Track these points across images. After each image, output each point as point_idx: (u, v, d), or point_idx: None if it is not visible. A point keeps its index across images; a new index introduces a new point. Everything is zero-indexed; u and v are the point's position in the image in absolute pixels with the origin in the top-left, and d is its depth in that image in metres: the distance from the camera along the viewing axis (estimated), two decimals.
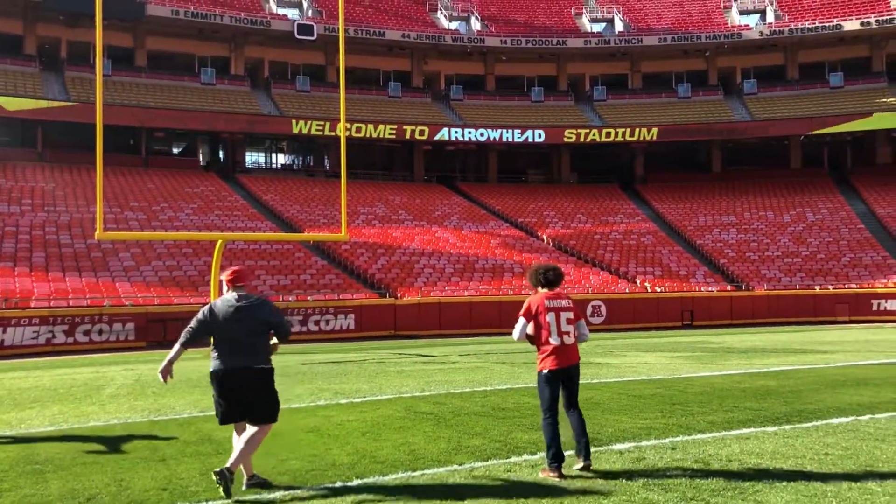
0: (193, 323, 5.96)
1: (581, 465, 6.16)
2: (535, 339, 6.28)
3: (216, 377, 5.88)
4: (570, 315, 6.25)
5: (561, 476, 5.95)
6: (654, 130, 44.39)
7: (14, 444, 7.88)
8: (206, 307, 5.98)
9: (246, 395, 5.86)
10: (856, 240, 38.34)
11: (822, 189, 44.63)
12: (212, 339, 5.97)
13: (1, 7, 38.49)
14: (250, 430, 5.87)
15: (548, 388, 6.20)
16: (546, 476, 6.02)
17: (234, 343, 5.83)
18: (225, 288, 6.08)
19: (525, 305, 6.31)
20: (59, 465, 6.85)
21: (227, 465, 5.74)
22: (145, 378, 13.89)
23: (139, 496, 5.78)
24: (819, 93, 46.30)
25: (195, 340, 5.96)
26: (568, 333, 6.20)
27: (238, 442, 5.91)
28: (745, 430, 7.88)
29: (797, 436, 7.57)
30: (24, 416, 9.66)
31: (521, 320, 6.25)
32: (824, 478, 5.94)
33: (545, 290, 6.39)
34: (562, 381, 6.23)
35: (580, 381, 6.45)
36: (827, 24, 45.08)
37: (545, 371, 6.20)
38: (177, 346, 6.07)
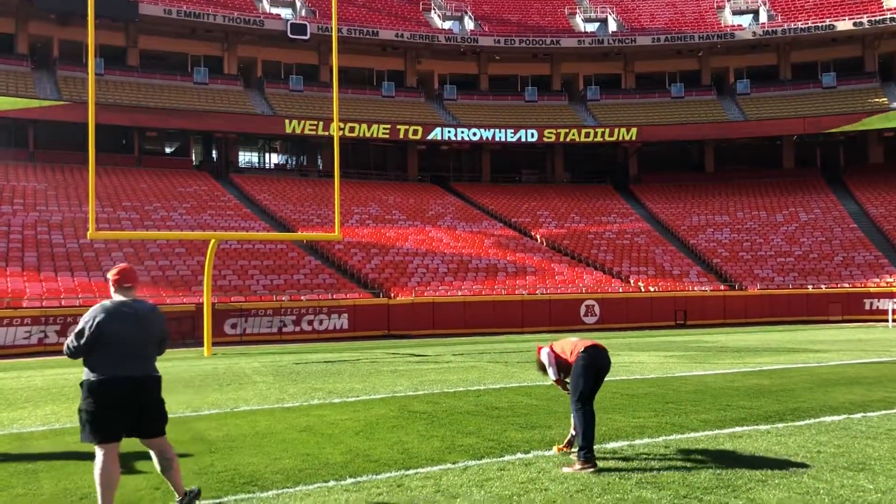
0: (93, 329, 5.14)
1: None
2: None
3: (106, 387, 5.11)
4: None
5: (595, 466, 6.21)
6: (648, 130, 44.48)
7: (7, 444, 7.85)
8: (100, 311, 5.26)
9: (140, 407, 5.23)
10: (848, 239, 38.48)
11: (815, 189, 44.79)
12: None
13: None
14: (160, 455, 5.31)
15: (581, 372, 6.47)
16: (577, 470, 6.20)
17: (134, 350, 5.26)
18: (112, 289, 5.50)
19: (547, 353, 6.85)
20: (52, 465, 6.83)
21: (179, 497, 5.33)
22: None
23: (132, 496, 5.76)
24: (812, 93, 46.48)
25: (91, 350, 5.16)
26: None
27: (161, 467, 5.33)
28: (738, 429, 7.91)
29: (790, 434, 7.60)
30: (16, 416, 9.62)
31: (545, 349, 6.87)
32: (817, 475, 5.96)
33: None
34: (597, 368, 6.57)
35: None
36: (820, 25, 45.25)
37: (580, 353, 6.54)
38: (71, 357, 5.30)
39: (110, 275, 5.48)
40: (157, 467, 5.35)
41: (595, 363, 6.49)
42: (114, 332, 5.18)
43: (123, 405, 5.15)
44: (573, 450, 6.63)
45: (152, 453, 5.35)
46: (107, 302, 5.37)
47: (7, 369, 16.55)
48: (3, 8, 38.74)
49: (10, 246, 27.43)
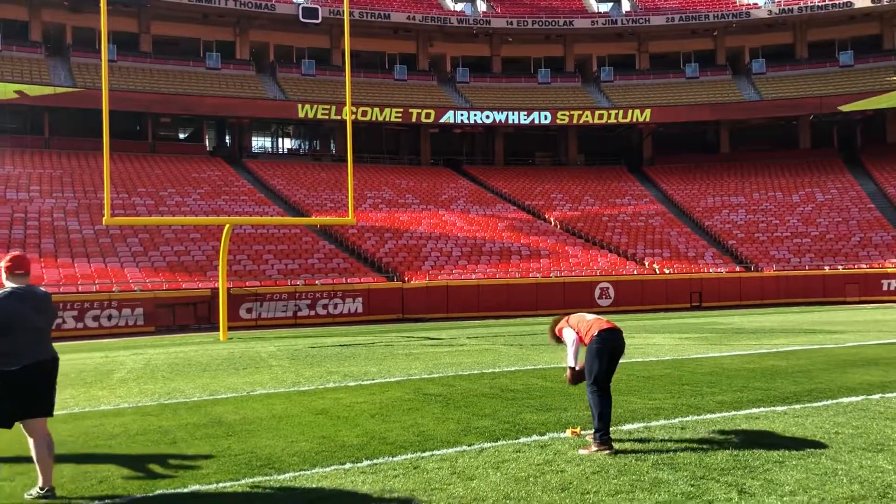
0: (7, 315, 5.20)
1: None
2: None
3: (15, 375, 5.19)
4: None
5: (611, 449, 6.20)
6: (662, 111, 44.14)
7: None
8: (9, 297, 5.29)
9: (41, 388, 5.37)
10: (866, 219, 38.11)
11: (832, 169, 44.35)
12: None
13: None
14: (42, 438, 5.37)
15: (595, 355, 6.42)
16: (592, 451, 6.20)
17: (39, 334, 5.39)
18: (3, 276, 5.46)
19: (567, 332, 6.73)
20: (72, 449, 6.90)
21: (42, 485, 5.35)
22: (154, 362, 13.96)
23: (151, 478, 5.81)
24: (829, 72, 45.92)
25: (5, 334, 5.19)
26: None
27: (38, 454, 5.38)
28: (754, 410, 7.87)
29: (807, 415, 7.56)
30: None
31: (570, 330, 6.71)
32: (835, 456, 5.93)
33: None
34: (609, 350, 6.48)
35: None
36: (837, 2, 44.61)
37: (593, 335, 6.49)
38: None
39: (2, 263, 5.48)
40: (35, 453, 5.35)
41: (608, 346, 6.43)
42: (25, 317, 5.29)
43: (25, 390, 5.26)
44: (588, 432, 6.63)
45: (33, 438, 5.38)
46: (15, 288, 5.39)
47: None
48: None
49: (28, 233, 27.65)
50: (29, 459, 5.54)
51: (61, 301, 22.52)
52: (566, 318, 6.84)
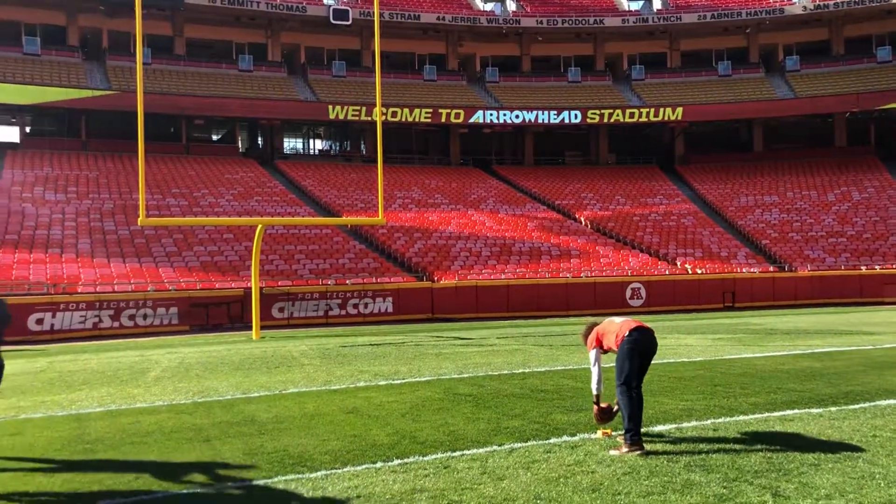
0: None
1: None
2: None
3: None
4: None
5: (642, 449, 6.19)
6: (694, 110, 43.68)
7: (66, 425, 8.10)
8: None
9: None
10: None
11: (869, 167, 43.53)
12: None
13: None
14: None
15: (626, 355, 6.40)
16: (624, 453, 6.18)
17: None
18: None
19: (589, 340, 6.83)
20: (109, 445, 7.04)
21: None
22: (188, 361, 14.16)
23: (185, 475, 5.91)
24: (866, 68, 45.06)
25: None
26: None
27: None
28: (788, 412, 7.78)
29: (843, 418, 7.45)
30: (74, 398, 9.92)
31: (593, 352, 6.77)
32: (872, 460, 5.84)
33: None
34: (641, 351, 6.45)
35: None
36: None
37: (624, 336, 6.45)
38: None
39: None
40: None
41: (640, 346, 6.41)
42: None
43: None
44: (619, 433, 6.60)
45: None
46: None
47: (64, 353, 17.05)
48: (55, 1, 39.59)
49: (65, 233, 28.18)
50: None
51: (98, 300, 22.92)
52: (595, 328, 6.85)
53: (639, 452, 6.11)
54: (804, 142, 47.14)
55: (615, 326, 6.62)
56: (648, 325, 6.64)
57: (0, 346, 6.72)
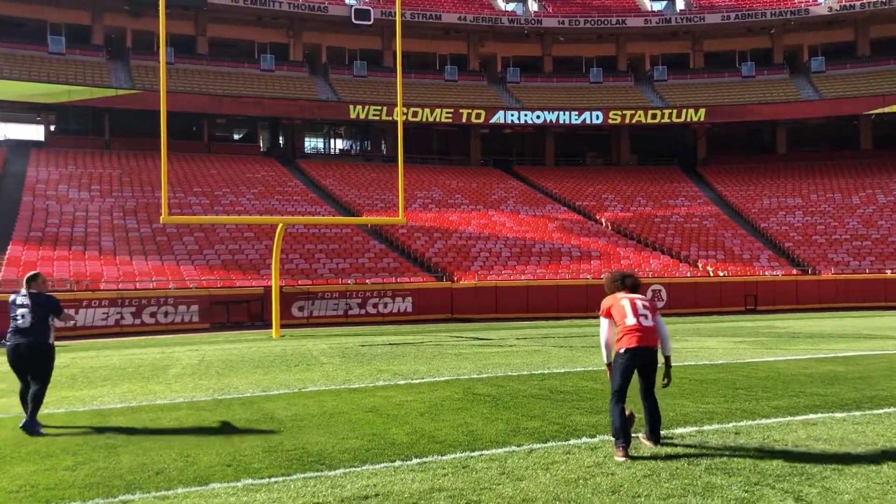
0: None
1: (649, 444, 6.42)
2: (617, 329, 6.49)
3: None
4: (646, 303, 6.46)
5: (626, 457, 6.00)
6: (717, 111, 43.34)
7: (88, 420, 8.18)
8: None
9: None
10: None
11: (895, 170, 42.94)
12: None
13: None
14: None
15: (620, 371, 6.28)
16: (616, 456, 6.05)
17: None
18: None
19: (602, 306, 6.58)
20: (130, 441, 7.09)
21: None
22: (209, 358, 14.25)
23: (205, 471, 5.94)
24: (892, 69, 44.47)
25: None
26: (646, 316, 6.34)
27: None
28: (811, 416, 7.68)
29: (868, 422, 7.34)
30: (96, 394, 10.01)
31: (603, 321, 6.51)
32: None
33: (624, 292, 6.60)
34: (638, 366, 6.29)
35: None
36: None
37: (621, 350, 6.30)
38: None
39: None
40: None
41: (633, 364, 6.27)
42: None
43: None
44: (637, 434, 6.57)
45: None
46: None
47: (86, 349, 17.22)
48: (80, 1, 40.05)
49: (88, 231, 28.48)
50: None
51: (120, 298, 23.14)
52: (606, 298, 6.62)
53: (619, 458, 5.98)
54: (828, 144, 46.60)
55: (619, 313, 6.41)
56: (650, 329, 6.34)
57: (53, 338, 7.93)
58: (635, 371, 6.30)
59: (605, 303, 6.58)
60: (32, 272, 7.97)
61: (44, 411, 8.71)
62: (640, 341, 6.26)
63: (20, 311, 7.61)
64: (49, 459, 6.44)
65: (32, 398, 7.52)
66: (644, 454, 6.15)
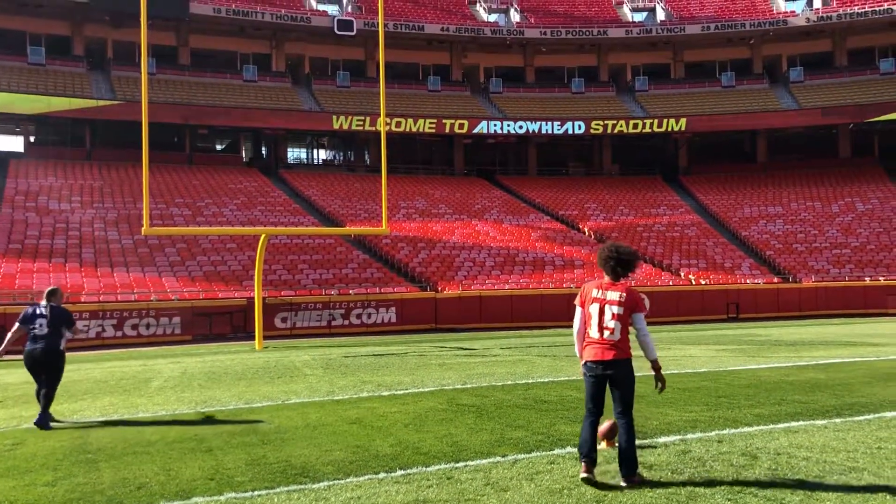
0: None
1: (620, 481, 5.60)
2: None
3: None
4: (617, 310, 5.62)
5: (588, 473, 5.53)
6: (698, 121, 43.72)
7: (68, 434, 8.09)
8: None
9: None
10: None
11: (873, 178, 43.49)
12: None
13: (49, 9, 39.43)
14: None
15: (586, 383, 5.77)
16: (580, 472, 5.63)
17: None
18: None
19: (580, 293, 5.92)
20: (111, 455, 7.02)
21: None
22: (191, 371, 14.14)
23: (187, 485, 5.89)
24: (869, 79, 45.10)
25: None
26: (611, 330, 5.62)
27: None
28: (793, 424, 7.74)
29: (848, 429, 7.41)
30: (76, 408, 9.91)
31: (578, 310, 5.84)
32: (877, 472, 5.80)
33: (607, 278, 5.80)
34: (601, 381, 5.70)
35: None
36: (877, 9, 43.84)
37: (582, 360, 5.82)
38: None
39: None
40: None
41: (594, 379, 5.72)
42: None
43: None
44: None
45: None
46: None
47: (67, 362, 16.99)
48: (60, 11, 39.80)
49: (69, 242, 28.23)
50: None
51: (101, 310, 22.93)
52: (586, 286, 5.89)
53: (582, 472, 5.57)
54: (808, 153, 47.13)
55: (588, 315, 5.75)
56: (616, 338, 5.64)
57: (64, 345, 9.07)
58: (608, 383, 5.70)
59: (583, 290, 5.85)
60: (52, 287, 9.29)
61: (22, 426, 8.63)
62: (597, 355, 5.67)
63: (39, 320, 8.80)
64: (28, 475, 6.36)
65: (44, 396, 8.64)
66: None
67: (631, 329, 5.76)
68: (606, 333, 5.66)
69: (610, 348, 5.66)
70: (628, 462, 5.59)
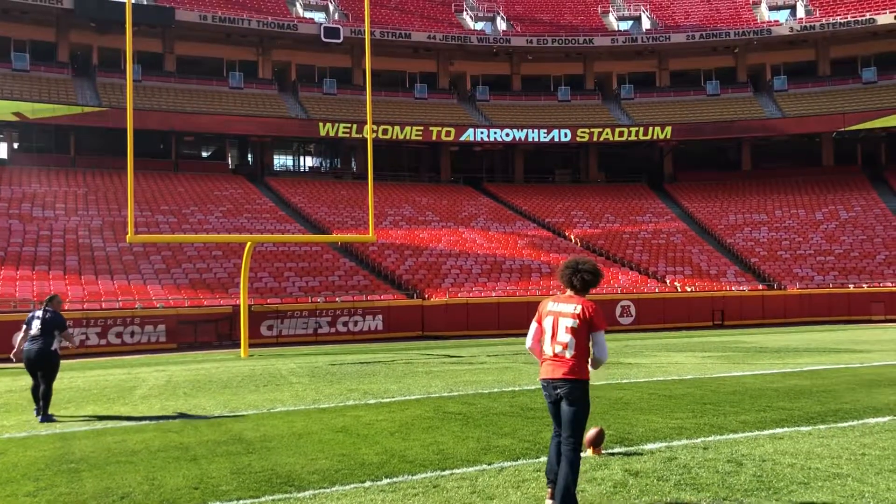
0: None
1: None
2: None
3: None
4: (572, 323, 5.10)
5: (552, 499, 5.14)
6: (683, 128, 44.00)
7: (50, 444, 8.01)
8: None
9: None
10: (891, 237, 37.65)
11: (856, 186, 43.90)
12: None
13: (34, 15, 39.21)
14: None
15: (547, 401, 5.28)
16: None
17: None
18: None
19: (538, 309, 5.43)
20: (94, 464, 6.95)
21: None
22: (176, 379, 14.05)
23: (171, 495, 5.84)
24: (852, 88, 45.58)
25: None
26: (565, 345, 5.09)
27: None
28: (778, 430, 7.77)
29: (832, 436, 7.45)
30: (59, 417, 9.80)
31: (533, 325, 5.38)
32: (861, 478, 5.83)
33: (568, 292, 5.32)
34: (559, 400, 5.13)
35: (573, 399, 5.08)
36: (860, 19, 44.36)
37: (539, 378, 5.34)
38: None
39: None
40: None
41: (546, 390, 5.26)
42: None
43: None
44: (610, 450, 6.58)
45: None
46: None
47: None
48: (45, 17, 39.59)
49: (53, 250, 28.01)
50: None
51: (85, 318, 22.75)
52: (544, 303, 5.39)
53: (547, 502, 5.25)
54: (792, 160, 47.52)
55: (543, 330, 5.29)
56: (570, 355, 5.07)
57: (56, 346, 9.90)
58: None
59: (540, 305, 5.38)
60: (51, 294, 10.50)
61: (3, 436, 8.55)
62: (548, 373, 5.18)
63: (35, 322, 9.86)
64: (10, 485, 6.29)
65: (43, 395, 9.60)
66: (614, 470, 6.17)
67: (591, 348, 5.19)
68: (559, 349, 5.12)
69: (561, 365, 5.10)
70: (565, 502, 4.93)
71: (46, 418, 9.49)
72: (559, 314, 5.19)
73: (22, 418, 9.71)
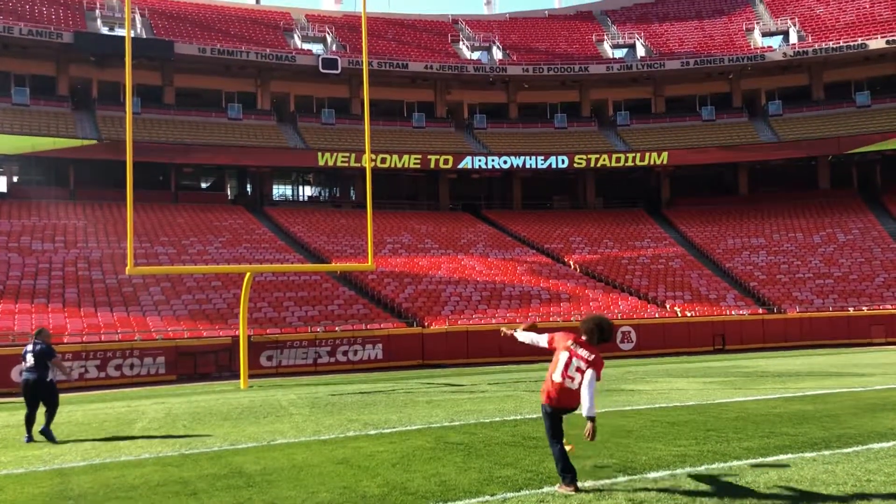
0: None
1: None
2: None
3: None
4: (584, 365, 6.41)
5: (576, 489, 6.35)
6: (679, 154, 44.23)
7: (48, 480, 7.93)
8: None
9: None
10: (889, 259, 37.68)
11: (853, 209, 44.03)
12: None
13: (35, 50, 39.57)
14: None
15: (547, 421, 6.59)
16: (563, 490, 6.40)
17: None
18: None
19: (554, 334, 6.86)
20: (93, 501, 6.88)
21: None
22: (176, 411, 13.96)
23: None
24: (846, 112, 45.89)
25: None
26: (572, 378, 6.43)
27: None
28: (782, 457, 7.72)
29: (837, 462, 7.40)
30: (57, 452, 9.73)
31: (543, 337, 6.90)
32: None
33: (584, 338, 6.62)
34: (559, 419, 6.59)
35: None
36: (852, 44, 44.81)
37: (543, 403, 6.61)
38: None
39: None
40: None
41: (551, 417, 6.60)
42: None
43: None
44: (609, 480, 6.55)
45: None
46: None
47: None
48: (46, 52, 39.94)
49: (52, 282, 27.98)
50: None
51: (84, 350, 22.66)
52: (561, 335, 6.83)
53: (570, 490, 6.41)
54: (789, 185, 47.70)
55: (555, 361, 6.62)
56: (574, 387, 6.45)
57: (52, 377, 10.80)
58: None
59: (556, 335, 6.80)
60: (39, 328, 11.36)
61: (2, 472, 8.48)
62: (555, 402, 6.51)
63: (28, 355, 10.74)
64: None
65: (47, 416, 10.65)
66: (618, 499, 6.12)
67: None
68: (567, 382, 6.44)
69: (572, 396, 6.46)
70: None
71: (47, 432, 10.44)
72: (576, 355, 6.49)
73: (19, 454, 9.63)
